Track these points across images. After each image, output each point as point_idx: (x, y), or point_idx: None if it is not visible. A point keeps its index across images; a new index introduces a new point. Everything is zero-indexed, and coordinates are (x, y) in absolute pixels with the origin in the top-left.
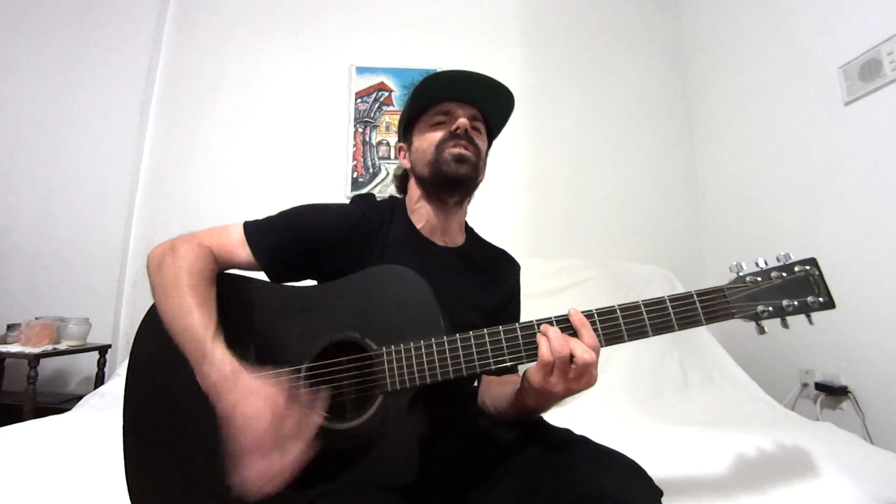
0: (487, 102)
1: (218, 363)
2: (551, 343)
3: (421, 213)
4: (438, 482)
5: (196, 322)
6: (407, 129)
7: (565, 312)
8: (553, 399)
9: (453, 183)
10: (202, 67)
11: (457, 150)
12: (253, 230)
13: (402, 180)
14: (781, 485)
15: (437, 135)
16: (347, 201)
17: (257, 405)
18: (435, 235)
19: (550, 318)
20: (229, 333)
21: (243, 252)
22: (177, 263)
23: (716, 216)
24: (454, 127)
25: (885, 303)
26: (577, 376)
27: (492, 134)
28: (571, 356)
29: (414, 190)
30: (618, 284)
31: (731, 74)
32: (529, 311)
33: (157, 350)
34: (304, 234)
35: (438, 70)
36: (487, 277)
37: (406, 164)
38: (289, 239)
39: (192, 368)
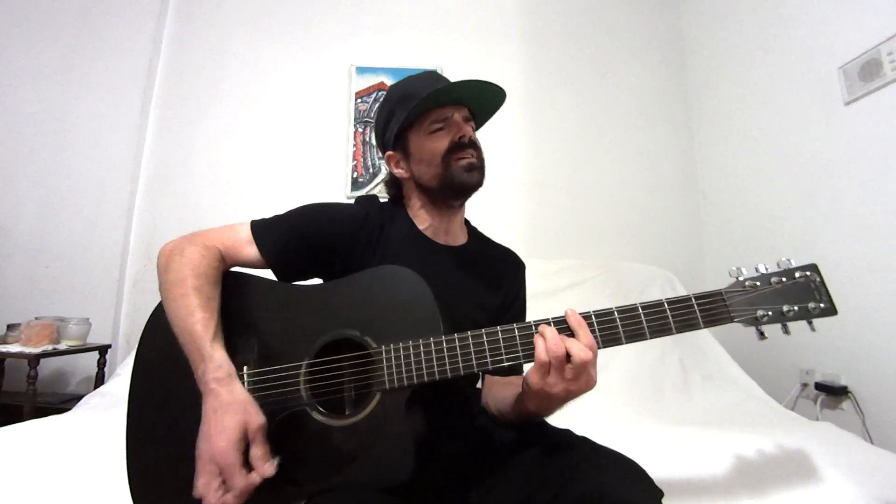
0: (477, 101)
1: (214, 365)
2: (547, 342)
3: (423, 217)
4: (438, 482)
5: (197, 323)
6: (397, 137)
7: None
8: (553, 402)
9: (466, 191)
10: (202, 67)
11: (467, 159)
12: (260, 228)
13: (395, 188)
14: (781, 485)
15: (440, 144)
16: (348, 201)
17: (229, 422)
18: (438, 235)
19: (548, 319)
20: (232, 330)
21: (251, 250)
22: (183, 264)
23: (716, 216)
24: (459, 136)
25: (885, 303)
26: (575, 376)
27: (476, 127)
28: (568, 355)
29: (415, 199)
30: (618, 285)
31: (731, 74)
32: (530, 311)
33: (163, 348)
34: (309, 233)
35: (440, 69)
36: (490, 276)
37: (400, 173)
38: (295, 237)
39: (191, 367)
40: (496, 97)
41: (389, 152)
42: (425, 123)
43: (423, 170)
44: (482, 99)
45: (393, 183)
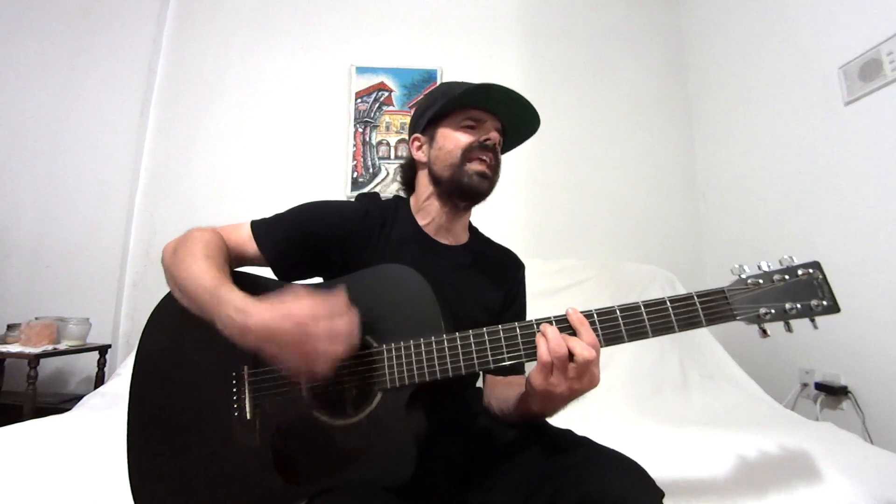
0: (514, 121)
1: (231, 300)
2: (549, 343)
3: (428, 211)
4: (439, 482)
5: (209, 278)
6: (428, 123)
7: (564, 313)
8: (557, 401)
9: (471, 195)
10: (202, 67)
11: (481, 167)
12: (260, 228)
13: (409, 171)
14: (781, 485)
15: (465, 139)
16: (349, 199)
17: (283, 310)
18: (439, 234)
19: (549, 317)
20: None
21: (251, 248)
22: (191, 241)
23: (716, 216)
24: (485, 138)
25: (885, 303)
26: (578, 375)
27: (504, 147)
28: (571, 355)
29: (424, 186)
30: (618, 285)
31: (731, 74)
32: (530, 311)
33: (165, 346)
34: (308, 230)
35: (440, 69)
36: (491, 275)
37: (420, 156)
38: (294, 235)
39: (212, 323)
40: (531, 123)
41: (416, 134)
42: (459, 118)
43: (441, 157)
44: (519, 118)
45: (409, 166)
